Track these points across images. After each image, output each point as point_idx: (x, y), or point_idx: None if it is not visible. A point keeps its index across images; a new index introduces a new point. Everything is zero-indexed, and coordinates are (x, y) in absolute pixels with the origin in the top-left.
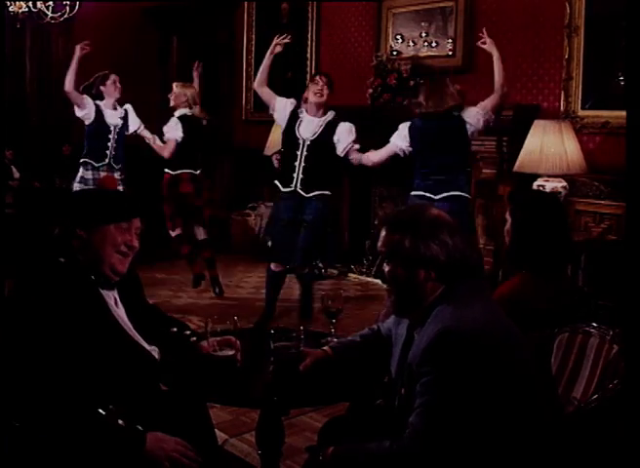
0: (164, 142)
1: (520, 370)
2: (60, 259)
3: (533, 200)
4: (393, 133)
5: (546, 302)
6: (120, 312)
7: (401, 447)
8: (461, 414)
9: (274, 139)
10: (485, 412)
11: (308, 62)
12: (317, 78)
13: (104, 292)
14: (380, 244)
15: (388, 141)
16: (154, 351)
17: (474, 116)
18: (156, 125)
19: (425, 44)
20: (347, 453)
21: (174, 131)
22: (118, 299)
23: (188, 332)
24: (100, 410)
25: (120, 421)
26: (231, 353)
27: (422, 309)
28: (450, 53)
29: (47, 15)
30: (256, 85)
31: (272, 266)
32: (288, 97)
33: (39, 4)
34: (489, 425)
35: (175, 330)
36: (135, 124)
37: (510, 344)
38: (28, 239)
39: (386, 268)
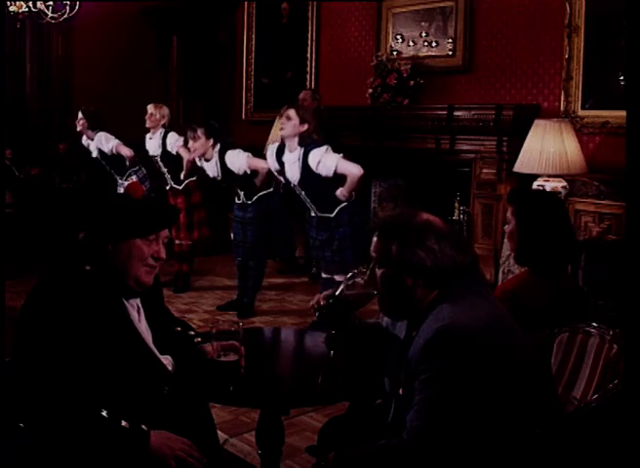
0: None
1: (519, 368)
2: (85, 267)
3: (537, 199)
4: (393, 133)
5: (547, 302)
6: (141, 322)
7: (400, 443)
8: (459, 411)
9: (274, 139)
10: (483, 409)
11: (308, 62)
12: None
13: (127, 302)
14: (371, 249)
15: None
16: (169, 364)
17: None
18: None
19: (425, 44)
20: (348, 456)
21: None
22: (141, 307)
23: (192, 333)
24: (103, 412)
25: (124, 422)
26: (235, 358)
27: (419, 312)
28: (450, 53)
29: (47, 15)
30: None
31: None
32: (288, 96)
33: (39, 4)
34: (487, 422)
35: (179, 329)
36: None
37: (510, 341)
38: (55, 244)
39: (377, 273)
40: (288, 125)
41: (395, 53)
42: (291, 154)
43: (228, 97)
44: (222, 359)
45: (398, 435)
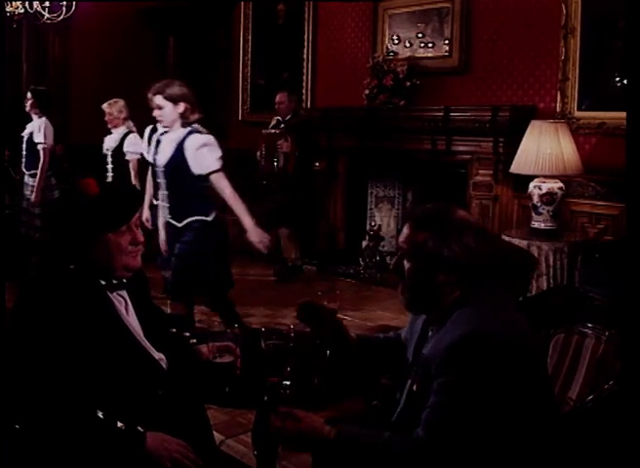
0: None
1: (533, 373)
2: (70, 266)
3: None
4: (389, 134)
5: None
6: (131, 317)
7: (415, 438)
8: (475, 417)
9: None
10: (497, 414)
11: (304, 63)
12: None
13: (115, 297)
14: (401, 240)
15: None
16: (162, 360)
17: None
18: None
19: (422, 45)
20: (353, 438)
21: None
22: (129, 302)
23: (187, 334)
24: (99, 413)
25: (120, 423)
26: (230, 360)
27: (441, 308)
28: (446, 53)
29: (43, 15)
30: None
31: None
32: None
33: (35, 4)
34: (497, 425)
35: (174, 330)
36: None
37: (528, 349)
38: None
39: (406, 265)
40: (164, 113)
41: (391, 54)
42: (171, 134)
43: (225, 99)
44: (218, 360)
45: (407, 430)
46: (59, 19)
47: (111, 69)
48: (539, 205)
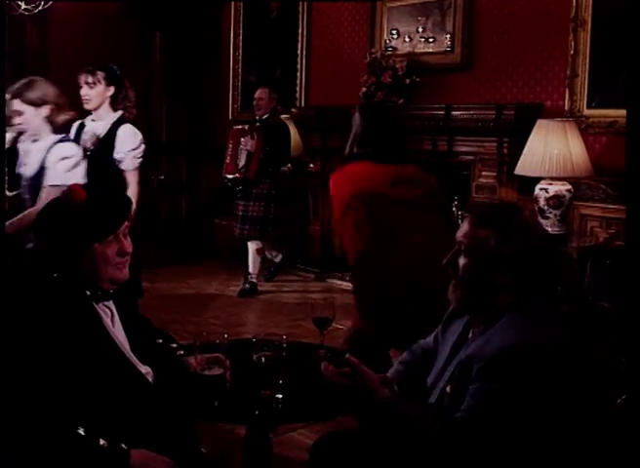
0: None
1: (575, 389)
2: (53, 275)
3: None
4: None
5: None
6: (117, 329)
7: (445, 438)
8: (505, 426)
9: None
10: (527, 425)
11: (298, 59)
12: None
13: (100, 307)
14: (460, 234)
15: None
16: (148, 374)
17: None
18: (142, 124)
19: (422, 40)
20: (398, 409)
21: None
22: (115, 313)
23: (174, 345)
24: (80, 430)
25: (102, 441)
26: (220, 372)
27: (491, 311)
28: (448, 49)
29: (20, 6)
30: None
31: None
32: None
33: None
34: (526, 434)
35: (160, 341)
36: None
37: (575, 364)
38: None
39: (462, 261)
40: (25, 120)
41: (390, 49)
42: (40, 142)
43: (214, 96)
44: (206, 373)
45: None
46: (37, 11)
47: (93, 64)
48: (545, 208)
